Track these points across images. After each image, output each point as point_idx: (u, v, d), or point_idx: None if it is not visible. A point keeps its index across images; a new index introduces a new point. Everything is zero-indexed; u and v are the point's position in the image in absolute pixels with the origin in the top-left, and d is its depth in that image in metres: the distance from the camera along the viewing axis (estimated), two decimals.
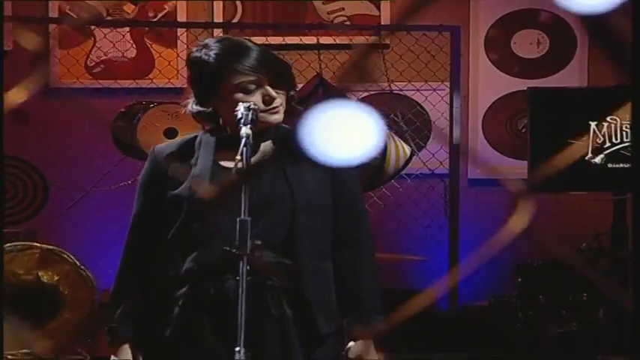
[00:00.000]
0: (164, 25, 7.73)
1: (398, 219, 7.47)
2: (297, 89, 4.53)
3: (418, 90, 7.65)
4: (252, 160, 3.83)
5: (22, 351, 4.53)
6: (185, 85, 4.22)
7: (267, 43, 7.33)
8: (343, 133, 1.47)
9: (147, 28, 7.70)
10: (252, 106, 3.74)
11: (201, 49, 3.90)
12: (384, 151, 6.91)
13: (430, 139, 7.67)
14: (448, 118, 7.39)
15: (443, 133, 7.35)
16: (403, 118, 7.56)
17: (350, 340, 3.97)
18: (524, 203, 1.38)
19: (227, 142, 3.86)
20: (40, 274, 4.58)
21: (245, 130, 3.66)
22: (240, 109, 3.73)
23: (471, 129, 7.77)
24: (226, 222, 3.63)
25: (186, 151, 3.97)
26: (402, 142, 7.03)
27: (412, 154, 7.06)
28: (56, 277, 4.58)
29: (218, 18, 7.75)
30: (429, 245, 7.38)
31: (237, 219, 3.54)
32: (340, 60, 7.45)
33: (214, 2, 7.75)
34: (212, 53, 3.86)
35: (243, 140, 3.64)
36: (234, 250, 3.57)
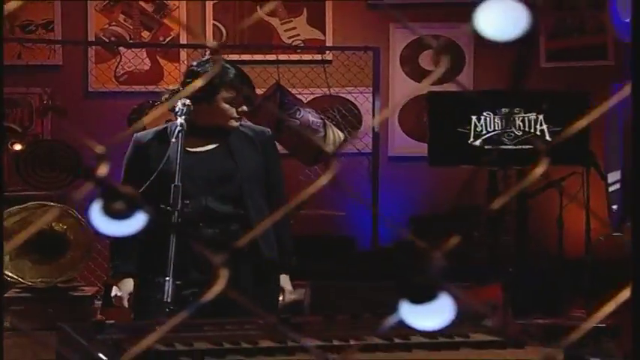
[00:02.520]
0: (170, 46, 7.82)
1: (335, 185, 7.57)
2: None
3: (350, 93, 7.74)
4: (212, 148, 3.96)
5: (39, 279, 4.64)
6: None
7: (240, 59, 7.45)
8: None
9: (158, 48, 7.80)
10: (187, 103, 3.72)
11: (205, 66, 3.89)
12: (325, 136, 7.04)
13: (362, 126, 7.76)
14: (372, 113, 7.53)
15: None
16: (339, 113, 7.66)
17: None
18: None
19: (194, 133, 3.80)
20: (53, 224, 4.69)
21: (180, 121, 3.66)
22: (179, 104, 3.71)
23: (389, 121, 7.86)
24: (187, 188, 3.67)
25: (161, 138, 3.91)
26: (337, 130, 7.14)
27: (345, 139, 7.17)
28: (64, 227, 4.66)
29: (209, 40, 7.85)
30: (356, 204, 7.47)
31: (172, 185, 3.59)
32: (293, 71, 7.56)
33: (206, 29, 7.84)
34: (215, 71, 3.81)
35: (178, 128, 3.64)
36: (168, 208, 3.67)
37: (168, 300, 3.49)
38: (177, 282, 3.58)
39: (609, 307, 1.20)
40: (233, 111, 3.89)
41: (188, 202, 3.80)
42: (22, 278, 4.64)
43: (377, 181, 7.37)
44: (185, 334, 2.49)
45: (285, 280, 4.06)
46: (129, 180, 3.92)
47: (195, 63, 4.02)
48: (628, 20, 6.97)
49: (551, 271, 6.72)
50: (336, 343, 2.49)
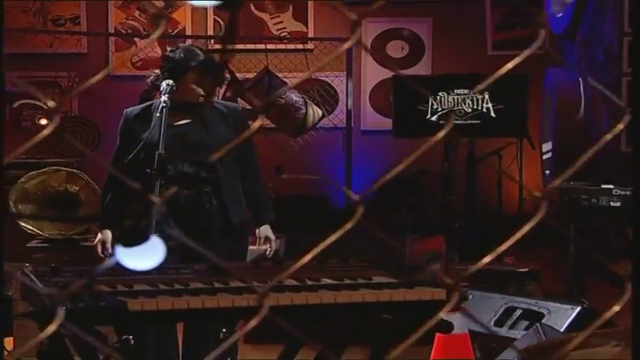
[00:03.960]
0: (177, 37, 7.88)
1: (314, 155, 7.63)
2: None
3: (327, 77, 7.81)
4: (187, 122, 3.97)
5: (56, 232, 4.70)
6: None
7: (234, 48, 7.50)
8: None
9: (167, 39, 7.84)
10: (171, 83, 3.70)
11: (176, 52, 3.84)
12: (306, 113, 7.09)
13: (338, 104, 7.81)
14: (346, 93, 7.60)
15: None
16: (318, 93, 7.72)
17: (258, 226, 3.99)
18: None
19: (173, 108, 3.71)
20: (67, 186, 4.71)
21: (164, 98, 3.67)
22: (163, 84, 3.71)
23: (361, 100, 7.93)
24: (167, 155, 3.60)
25: (146, 113, 3.86)
26: (316, 107, 7.19)
27: (323, 115, 7.24)
28: (77, 188, 4.70)
29: (210, 32, 7.91)
30: (332, 170, 7.54)
31: (157, 152, 3.65)
32: (280, 58, 7.61)
33: (207, 22, 7.91)
34: (182, 56, 3.81)
35: (162, 104, 3.63)
36: (153, 172, 3.71)
37: None
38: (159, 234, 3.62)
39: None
40: (200, 90, 3.86)
41: (170, 167, 3.82)
42: (41, 231, 4.72)
43: (350, 151, 7.45)
44: (127, 277, 2.53)
45: (267, 230, 4.00)
46: (121, 146, 3.92)
47: (169, 49, 3.99)
48: (559, 16, 7.02)
49: (491, 225, 6.80)
50: (255, 284, 2.53)
